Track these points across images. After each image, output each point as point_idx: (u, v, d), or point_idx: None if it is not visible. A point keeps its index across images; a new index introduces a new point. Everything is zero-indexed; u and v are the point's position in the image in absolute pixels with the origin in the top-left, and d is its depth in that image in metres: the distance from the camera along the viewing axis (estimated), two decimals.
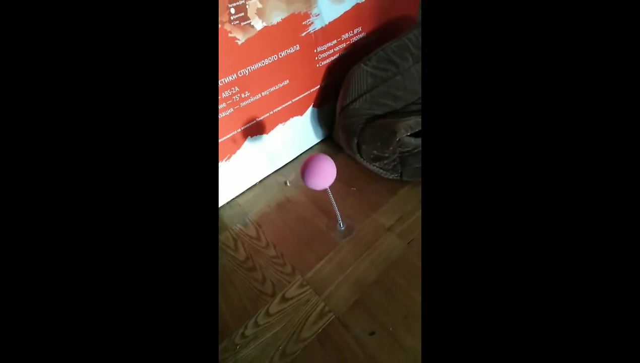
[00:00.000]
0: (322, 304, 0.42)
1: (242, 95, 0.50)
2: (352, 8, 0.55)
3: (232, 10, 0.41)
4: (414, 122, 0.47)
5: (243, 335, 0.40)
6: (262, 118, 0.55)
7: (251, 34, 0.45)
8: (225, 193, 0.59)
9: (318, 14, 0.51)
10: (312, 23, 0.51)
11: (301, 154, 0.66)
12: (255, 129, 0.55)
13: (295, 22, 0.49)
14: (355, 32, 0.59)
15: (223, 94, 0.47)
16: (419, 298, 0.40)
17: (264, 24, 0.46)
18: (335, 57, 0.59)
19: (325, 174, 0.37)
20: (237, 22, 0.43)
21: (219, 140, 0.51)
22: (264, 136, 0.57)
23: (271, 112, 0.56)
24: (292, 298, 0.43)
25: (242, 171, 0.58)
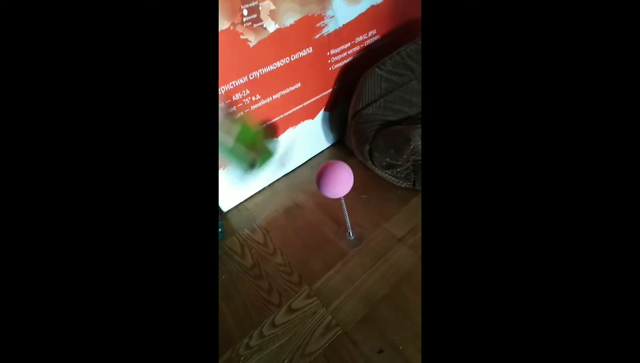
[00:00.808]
0: (330, 317, 0.40)
1: (253, 98, 0.49)
2: (367, 10, 0.53)
3: (245, 12, 0.40)
4: None
5: (247, 346, 0.39)
6: (272, 121, 0.54)
7: (263, 35, 0.44)
8: (234, 197, 0.58)
9: (332, 16, 0.50)
10: (326, 25, 0.50)
11: (311, 158, 0.65)
12: (265, 133, 0.54)
13: (308, 24, 0.48)
14: (369, 34, 0.57)
15: (233, 97, 0.46)
16: None
17: (277, 26, 0.44)
18: (348, 60, 0.57)
19: (343, 183, 0.36)
20: (250, 23, 0.42)
21: None
22: (274, 140, 0.56)
23: (282, 116, 0.55)
24: (298, 309, 0.42)
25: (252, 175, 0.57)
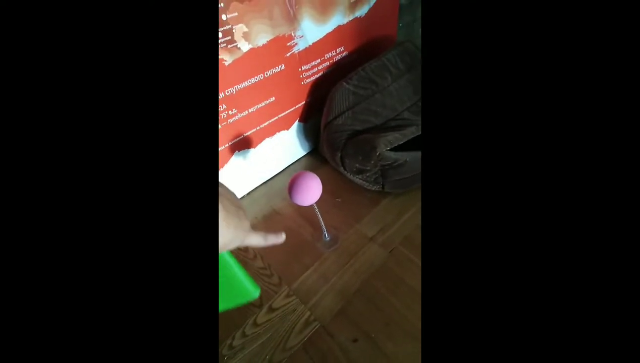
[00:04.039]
0: (308, 313, 0.43)
1: (230, 113, 0.52)
2: (334, 30, 0.58)
3: (220, 34, 0.44)
4: (393, 137, 0.50)
5: (231, 346, 0.42)
6: (249, 133, 0.57)
7: (238, 55, 0.47)
8: None
9: (302, 36, 0.54)
10: (296, 44, 0.54)
11: (288, 166, 0.68)
12: (242, 144, 0.57)
13: (280, 44, 0.52)
14: (337, 51, 0.62)
15: None
16: (399, 306, 0.42)
17: (250, 46, 0.48)
18: (319, 75, 0.62)
19: (311, 192, 0.40)
20: (225, 45, 0.45)
21: None
22: (252, 150, 0.59)
23: (258, 128, 0.58)
24: (278, 308, 0.45)
25: (230, 185, 0.59)
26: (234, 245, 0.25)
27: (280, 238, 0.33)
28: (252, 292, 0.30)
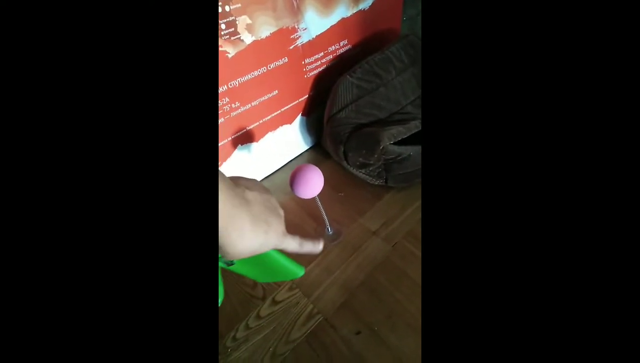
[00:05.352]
0: (311, 306, 0.44)
1: (233, 106, 0.51)
2: (338, 22, 0.58)
3: (223, 26, 0.43)
4: (397, 131, 0.50)
5: (234, 338, 0.42)
6: (252, 127, 0.57)
7: (241, 47, 0.47)
8: None
9: (305, 28, 0.54)
10: (299, 37, 0.54)
11: (291, 161, 0.68)
12: (245, 138, 0.57)
13: (283, 36, 0.51)
14: (341, 44, 0.62)
15: None
16: (402, 299, 0.42)
17: (254, 38, 0.48)
18: (322, 68, 0.61)
19: (312, 184, 0.39)
20: (228, 36, 0.45)
21: None
22: (254, 144, 0.59)
23: (261, 121, 0.58)
24: (282, 301, 0.45)
25: None
26: (264, 249, 0.25)
27: (317, 247, 0.31)
28: (298, 272, 0.33)
